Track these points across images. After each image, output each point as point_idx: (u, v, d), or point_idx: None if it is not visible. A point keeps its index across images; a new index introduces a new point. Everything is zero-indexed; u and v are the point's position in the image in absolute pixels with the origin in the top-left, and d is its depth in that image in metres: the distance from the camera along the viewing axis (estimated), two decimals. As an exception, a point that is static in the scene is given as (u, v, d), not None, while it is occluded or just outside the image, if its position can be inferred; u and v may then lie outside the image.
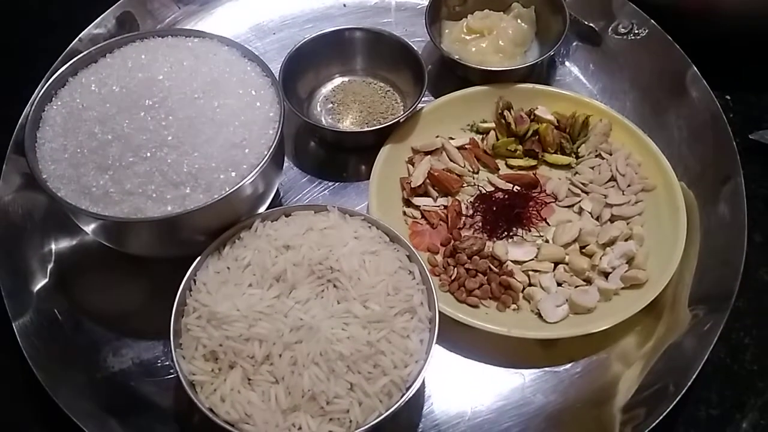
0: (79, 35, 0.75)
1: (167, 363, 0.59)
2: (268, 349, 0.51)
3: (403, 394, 0.51)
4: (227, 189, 0.54)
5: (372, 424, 0.49)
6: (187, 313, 0.54)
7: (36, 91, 0.63)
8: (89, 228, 0.57)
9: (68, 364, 0.59)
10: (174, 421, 0.57)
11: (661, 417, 0.54)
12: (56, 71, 0.59)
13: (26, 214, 0.66)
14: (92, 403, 0.57)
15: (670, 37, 0.75)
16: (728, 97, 0.78)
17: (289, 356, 0.51)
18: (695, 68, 0.72)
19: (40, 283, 0.63)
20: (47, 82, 0.59)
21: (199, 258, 0.56)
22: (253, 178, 0.55)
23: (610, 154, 0.70)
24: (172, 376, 0.58)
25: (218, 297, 0.53)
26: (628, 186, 0.68)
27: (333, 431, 0.49)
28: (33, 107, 0.58)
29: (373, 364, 0.51)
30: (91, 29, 0.76)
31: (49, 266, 0.64)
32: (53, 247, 0.65)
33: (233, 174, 0.55)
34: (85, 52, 0.61)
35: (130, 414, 0.57)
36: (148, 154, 0.54)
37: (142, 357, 0.60)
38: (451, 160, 0.70)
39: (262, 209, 0.61)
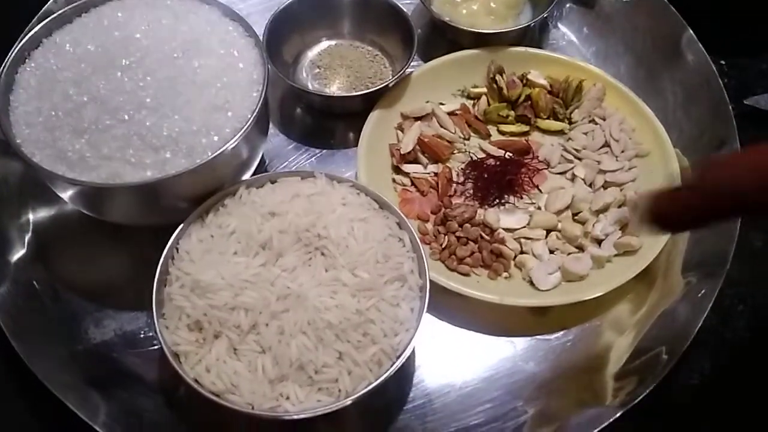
0: (54, -5, 0.72)
1: (150, 334, 0.58)
2: (255, 318, 0.49)
3: (393, 363, 0.49)
4: (210, 153, 0.52)
5: (361, 393, 0.48)
6: (169, 283, 0.53)
7: (8, 54, 0.60)
8: (66, 195, 0.55)
9: (48, 336, 0.58)
10: (158, 392, 0.56)
11: (653, 384, 0.53)
12: (29, 32, 0.57)
13: (1, 182, 0.64)
14: (73, 375, 0.55)
15: (665, 0, 0.73)
16: (723, 62, 0.76)
17: (276, 325, 0.49)
18: (691, 31, 0.71)
19: (17, 254, 0.61)
20: (20, 43, 0.56)
21: (181, 226, 0.54)
22: (236, 143, 0.53)
23: (604, 120, 0.68)
24: (156, 347, 0.57)
25: (202, 265, 0.52)
26: (622, 152, 0.66)
27: (322, 401, 0.48)
28: (5, 70, 0.55)
29: (363, 333, 0.49)
30: (66, -11, 0.73)
31: (27, 236, 0.62)
32: (30, 216, 0.63)
33: (215, 138, 0.53)
34: (59, 12, 0.58)
35: (112, 386, 0.56)
36: (126, 117, 0.52)
37: (125, 328, 0.59)
38: (441, 126, 0.68)
39: (246, 176, 0.59)
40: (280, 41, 0.69)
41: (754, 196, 0.37)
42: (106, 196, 0.54)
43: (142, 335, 0.58)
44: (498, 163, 0.66)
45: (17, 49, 0.56)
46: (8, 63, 0.55)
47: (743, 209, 0.40)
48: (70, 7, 0.58)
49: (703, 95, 0.68)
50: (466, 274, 0.60)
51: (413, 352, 0.55)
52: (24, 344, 0.55)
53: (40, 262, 0.61)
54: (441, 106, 0.69)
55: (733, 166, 0.39)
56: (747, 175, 0.37)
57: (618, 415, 0.52)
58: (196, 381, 0.49)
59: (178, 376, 0.49)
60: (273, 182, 0.57)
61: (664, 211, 0.42)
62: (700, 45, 0.70)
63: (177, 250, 0.54)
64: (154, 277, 0.52)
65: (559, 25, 0.77)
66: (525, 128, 0.69)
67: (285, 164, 0.68)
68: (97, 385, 0.55)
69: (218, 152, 0.52)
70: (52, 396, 0.52)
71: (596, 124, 0.68)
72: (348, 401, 0.48)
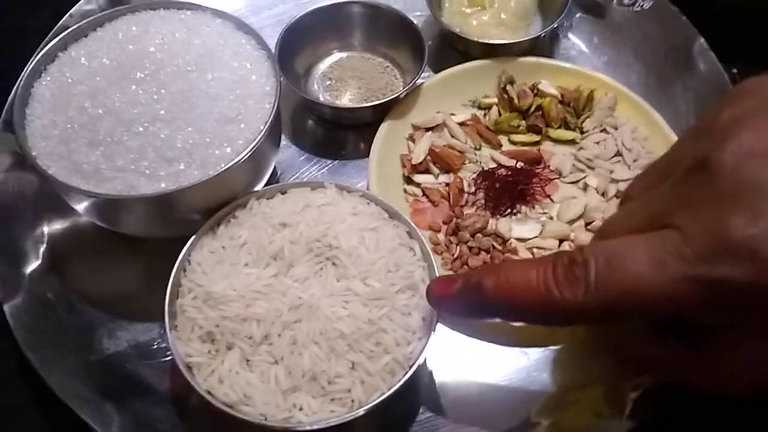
0: (70, 11, 0.73)
1: (164, 345, 0.58)
2: (267, 328, 0.50)
3: (406, 372, 0.49)
4: (223, 165, 0.52)
5: (375, 403, 0.48)
6: (182, 294, 0.53)
7: (25, 68, 0.61)
8: (81, 207, 0.56)
9: (62, 347, 0.58)
10: (171, 403, 0.56)
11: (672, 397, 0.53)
12: (45, 47, 0.58)
13: (17, 195, 0.64)
14: (86, 386, 0.55)
15: (676, 8, 0.73)
16: (734, 71, 0.76)
17: (288, 336, 0.49)
18: (703, 39, 0.70)
19: (32, 265, 0.61)
20: (35, 57, 0.57)
21: (193, 237, 0.55)
22: (249, 154, 0.53)
23: (616, 129, 0.68)
24: (169, 358, 0.57)
25: (214, 277, 0.52)
26: (635, 161, 0.66)
27: (335, 411, 0.48)
28: (21, 84, 0.56)
29: (375, 342, 0.49)
30: (82, 5, 0.74)
31: (42, 248, 0.63)
32: (45, 228, 0.64)
33: (228, 149, 0.53)
34: (74, 26, 0.59)
35: (125, 397, 0.56)
36: (141, 129, 0.52)
37: (138, 339, 0.59)
38: (452, 137, 0.68)
39: (259, 187, 0.60)
40: (292, 54, 0.70)
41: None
42: (120, 208, 0.55)
43: (155, 346, 0.58)
44: (509, 173, 0.66)
45: (33, 63, 0.57)
46: (24, 77, 0.56)
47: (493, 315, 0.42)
48: (85, 21, 0.59)
49: (715, 103, 0.67)
50: (479, 284, 0.60)
51: (425, 362, 0.55)
52: (38, 355, 0.55)
53: (54, 274, 0.61)
54: (452, 117, 0.69)
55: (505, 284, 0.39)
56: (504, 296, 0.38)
57: (633, 427, 0.52)
58: (209, 392, 0.49)
59: (191, 388, 0.49)
60: (283, 193, 0.57)
61: (432, 293, 0.46)
62: (712, 53, 0.70)
63: (189, 261, 0.54)
64: (166, 289, 0.52)
65: (570, 35, 0.77)
66: (536, 138, 0.69)
67: (297, 175, 0.68)
68: (111, 396, 0.55)
69: (231, 163, 0.52)
70: (66, 407, 0.53)
71: (608, 133, 0.68)
72: (361, 411, 0.48)
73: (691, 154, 0.35)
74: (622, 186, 0.64)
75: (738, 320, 0.33)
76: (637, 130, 0.67)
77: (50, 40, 0.58)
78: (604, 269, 0.34)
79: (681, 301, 0.32)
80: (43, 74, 0.57)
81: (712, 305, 0.32)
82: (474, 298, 0.41)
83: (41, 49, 0.58)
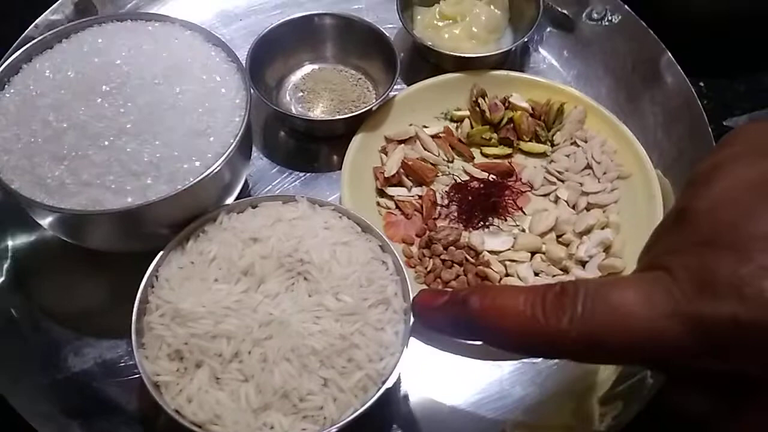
0: (35, 21, 0.71)
1: (131, 362, 0.57)
2: (237, 346, 0.49)
3: (379, 388, 0.49)
4: (191, 179, 0.52)
5: (347, 420, 0.47)
6: (149, 311, 0.52)
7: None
8: (46, 222, 0.54)
9: (26, 365, 0.56)
10: (139, 423, 0.55)
11: (639, 409, 0.53)
12: (8, 58, 0.56)
13: (-21, 210, 0.63)
14: (52, 405, 0.54)
15: (643, 23, 0.74)
16: (702, 84, 0.77)
17: (258, 353, 0.48)
18: (669, 54, 0.72)
19: (-6, 282, 0.60)
20: (-2, 69, 0.56)
21: (161, 253, 0.54)
22: (218, 168, 0.52)
23: (586, 142, 0.69)
24: (137, 376, 0.55)
25: (182, 293, 0.51)
26: (604, 173, 0.67)
27: (307, 429, 0.47)
28: (-16, 96, 0.55)
29: (347, 358, 0.49)
30: (47, 15, 0.72)
31: (5, 264, 0.61)
32: (9, 243, 0.62)
33: (197, 163, 0.53)
34: (39, 38, 0.57)
35: (92, 416, 0.54)
36: (106, 143, 0.51)
37: (105, 357, 0.57)
38: (425, 149, 0.68)
39: (230, 200, 0.59)
40: (263, 65, 0.69)
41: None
42: (86, 223, 0.53)
43: (122, 363, 0.57)
44: (482, 185, 0.66)
45: (-3, 75, 0.55)
46: (-13, 89, 0.55)
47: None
48: (50, 33, 0.58)
49: (683, 117, 0.69)
50: (451, 298, 0.60)
51: (399, 377, 0.54)
52: (2, 376, 0.53)
53: (18, 290, 0.60)
54: (425, 129, 0.69)
55: (496, 306, 0.38)
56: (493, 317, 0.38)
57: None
58: (178, 412, 0.48)
59: (159, 407, 0.48)
60: (254, 207, 0.57)
61: (418, 303, 0.46)
62: (679, 67, 0.71)
63: (156, 277, 0.53)
64: (133, 306, 0.51)
65: (540, 48, 0.77)
66: (508, 151, 0.69)
67: (269, 188, 0.67)
68: (77, 415, 0.54)
69: (200, 177, 0.52)
70: (30, 428, 0.51)
71: (578, 146, 0.69)
72: (333, 429, 0.47)
73: (677, 206, 0.36)
74: (592, 198, 0.65)
75: (747, 367, 0.32)
76: (606, 143, 0.68)
77: (14, 52, 0.57)
78: (591, 301, 0.34)
79: (669, 339, 0.32)
80: (6, 86, 0.55)
81: (702, 345, 0.31)
82: (459, 314, 0.40)
83: (4, 60, 0.57)
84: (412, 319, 0.51)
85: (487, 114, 0.69)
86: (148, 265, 0.53)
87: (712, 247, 0.32)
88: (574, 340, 0.34)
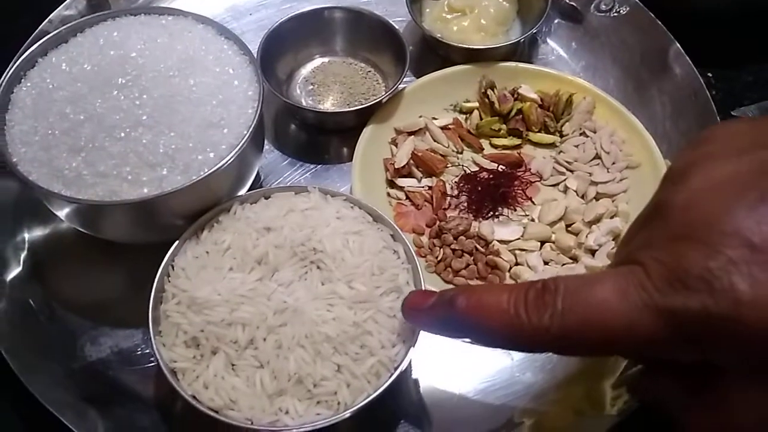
0: (49, 16, 0.72)
1: (147, 351, 0.58)
2: (252, 333, 0.50)
3: (392, 374, 0.50)
4: (206, 170, 0.53)
5: (360, 405, 0.48)
6: (165, 300, 0.53)
7: (4, 73, 0.61)
8: (63, 213, 0.55)
9: (44, 354, 0.57)
10: (156, 409, 0.55)
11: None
12: (25, 52, 0.57)
13: (-3, 202, 0.64)
14: (70, 393, 0.55)
15: (652, 14, 0.74)
16: (710, 75, 0.77)
17: (273, 340, 0.49)
18: (678, 45, 0.72)
19: (13, 272, 0.61)
20: (15, 63, 0.57)
21: (176, 243, 0.54)
22: (232, 159, 0.53)
23: (594, 132, 0.69)
24: (153, 364, 0.57)
25: (198, 282, 0.52)
26: (613, 163, 0.67)
27: (321, 414, 0.48)
28: (1, 90, 0.55)
29: (360, 345, 0.49)
30: (61, 10, 0.73)
31: (23, 254, 0.62)
32: (26, 234, 0.63)
33: (212, 154, 0.53)
34: (54, 32, 0.58)
35: (109, 403, 0.55)
36: (122, 135, 0.52)
37: (121, 345, 0.58)
38: (434, 141, 0.69)
39: (242, 192, 0.60)
40: (273, 59, 0.70)
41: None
42: (102, 214, 0.54)
43: (138, 352, 0.58)
44: (491, 176, 0.67)
45: (13, 68, 0.56)
46: (4, 82, 0.56)
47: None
48: (65, 27, 0.59)
49: (691, 107, 0.69)
50: (462, 287, 0.60)
51: (410, 364, 0.55)
52: (20, 362, 0.54)
53: (36, 281, 0.61)
54: (434, 121, 0.70)
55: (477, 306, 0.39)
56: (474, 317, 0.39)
57: (615, 423, 0.53)
58: (194, 397, 0.49)
59: (176, 393, 0.49)
60: (267, 198, 0.58)
61: (406, 305, 0.47)
62: (687, 58, 0.71)
63: (173, 267, 0.54)
64: (149, 295, 0.52)
65: (548, 40, 0.78)
66: (517, 141, 0.70)
67: (280, 180, 0.68)
68: (95, 402, 0.55)
69: (214, 168, 0.52)
70: (50, 414, 0.52)
71: (587, 136, 0.69)
72: (347, 414, 0.48)
73: (653, 201, 0.38)
74: (601, 188, 0.65)
75: (718, 358, 0.33)
76: (615, 134, 0.68)
77: (30, 46, 0.58)
78: (570, 297, 0.35)
79: (643, 331, 0.33)
80: (23, 80, 0.56)
81: (674, 337, 0.33)
82: (446, 314, 0.41)
83: (20, 55, 0.58)
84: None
85: (496, 105, 0.70)
86: (163, 257, 0.54)
87: (685, 242, 0.33)
88: (554, 335, 0.35)
